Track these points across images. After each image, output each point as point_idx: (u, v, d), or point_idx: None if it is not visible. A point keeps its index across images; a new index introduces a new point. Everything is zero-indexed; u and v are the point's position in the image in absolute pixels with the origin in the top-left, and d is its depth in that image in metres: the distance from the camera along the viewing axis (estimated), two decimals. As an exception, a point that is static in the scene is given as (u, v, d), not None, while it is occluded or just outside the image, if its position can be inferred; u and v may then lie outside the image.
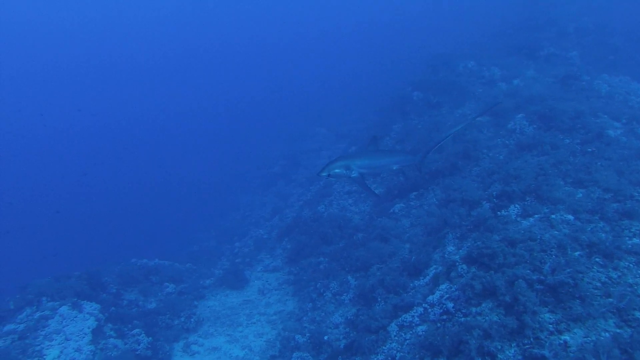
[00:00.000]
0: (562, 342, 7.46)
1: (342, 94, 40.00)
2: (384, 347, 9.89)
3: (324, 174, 11.33)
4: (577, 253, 8.93)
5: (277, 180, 29.84)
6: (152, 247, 22.87)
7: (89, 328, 12.86)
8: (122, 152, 53.88)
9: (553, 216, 10.30)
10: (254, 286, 17.56)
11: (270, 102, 56.86)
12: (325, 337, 12.38)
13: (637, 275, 8.46)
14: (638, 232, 9.51)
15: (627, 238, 9.32)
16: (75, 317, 13.11)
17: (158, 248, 22.75)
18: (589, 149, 13.10)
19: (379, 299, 11.84)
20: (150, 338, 13.78)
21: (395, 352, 9.55)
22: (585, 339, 7.39)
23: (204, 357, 13.89)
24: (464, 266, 9.92)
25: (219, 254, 22.35)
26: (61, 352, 11.94)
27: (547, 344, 7.48)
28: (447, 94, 20.63)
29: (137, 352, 13.18)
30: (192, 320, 15.33)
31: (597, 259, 8.83)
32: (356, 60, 49.83)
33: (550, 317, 7.86)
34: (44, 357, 11.69)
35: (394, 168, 12.81)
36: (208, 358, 13.81)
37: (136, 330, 13.91)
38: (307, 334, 13.03)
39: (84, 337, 12.55)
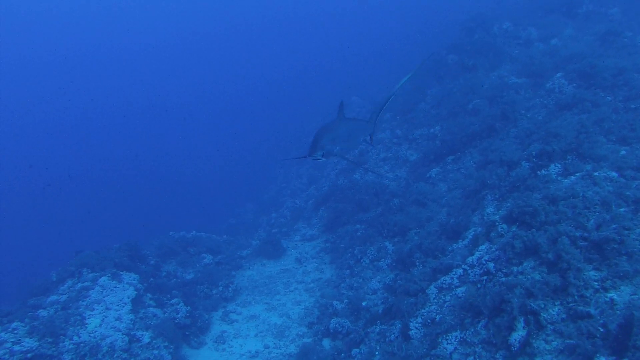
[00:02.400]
0: (608, 299, 7.21)
1: (378, 61, 39.45)
2: (423, 310, 9.76)
3: (318, 153, 8.69)
4: (622, 209, 8.61)
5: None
6: (190, 222, 23.06)
7: (128, 298, 13.00)
8: (164, 130, 54.58)
9: (596, 174, 9.95)
10: (291, 255, 17.60)
11: (309, 75, 56.53)
12: (364, 303, 12.31)
13: (687, 231, 8.14)
14: (687, 187, 9.15)
15: (675, 194, 8.98)
16: (115, 287, 13.25)
17: (196, 223, 22.93)
18: (633, 106, 12.64)
19: (417, 263, 11.69)
20: (189, 307, 13.90)
21: (434, 314, 9.41)
22: (633, 296, 7.14)
23: (242, 325, 13.98)
24: (504, 226, 9.69)
25: (256, 225, 22.49)
26: (102, 320, 12.10)
27: (592, 302, 7.25)
28: (483, 56, 20.12)
29: (177, 321, 13.31)
30: (230, 289, 15.43)
31: (644, 215, 8.52)
32: (392, 26, 48.98)
33: (596, 274, 7.61)
34: (86, 325, 11.86)
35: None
36: (247, 326, 13.89)
37: (175, 300, 14.04)
38: (345, 301, 12.99)
39: (124, 307, 12.69)
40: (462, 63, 20.51)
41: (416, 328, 9.50)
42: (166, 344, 12.35)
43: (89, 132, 57.25)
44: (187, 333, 13.42)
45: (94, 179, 43.41)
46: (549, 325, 7.35)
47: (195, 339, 13.43)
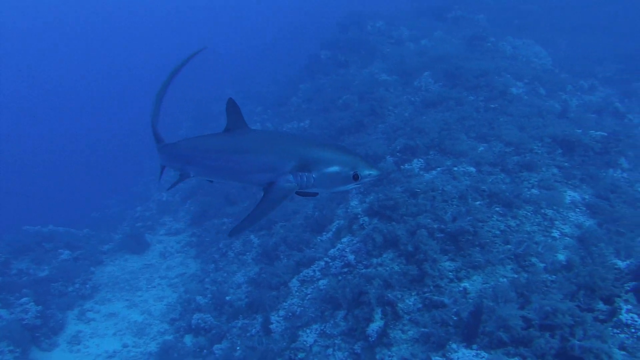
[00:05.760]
0: (461, 289, 7.41)
1: (256, 56, 39.06)
2: (285, 303, 9.60)
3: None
4: (477, 202, 8.90)
5: (180, 141, 28.79)
6: (49, 214, 21.62)
7: (-34, 301, 11.86)
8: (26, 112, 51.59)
9: (455, 168, 10.28)
10: (156, 250, 16.91)
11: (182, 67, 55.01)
12: (228, 297, 11.96)
13: (535, 223, 8.54)
14: (537, 182, 9.65)
15: (526, 189, 9.41)
16: (-51, 290, 12.06)
17: (56, 215, 21.51)
18: (493, 106, 13.23)
19: (282, 257, 11.52)
20: (40, 306, 12.83)
21: (296, 307, 9.27)
22: (484, 285, 7.35)
23: (100, 324, 13.19)
24: (366, 218, 9.72)
25: (121, 219, 21.44)
26: None
27: (446, 291, 7.40)
28: (356, 52, 20.37)
29: (25, 322, 12.24)
30: (87, 286, 14.51)
31: (497, 208, 8.84)
32: (271, 22, 48.77)
33: (451, 264, 7.80)
34: None
35: None
36: (105, 325, 13.12)
37: (24, 299, 12.92)
38: (209, 295, 12.59)
39: (-41, 311, 11.56)
40: (335, 59, 20.66)
41: (277, 322, 9.32)
42: (11, 347, 11.34)
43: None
44: (37, 334, 12.37)
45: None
46: (405, 315, 7.42)
47: (47, 341, 12.45)
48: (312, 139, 5.36)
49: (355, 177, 4.40)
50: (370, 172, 4.45)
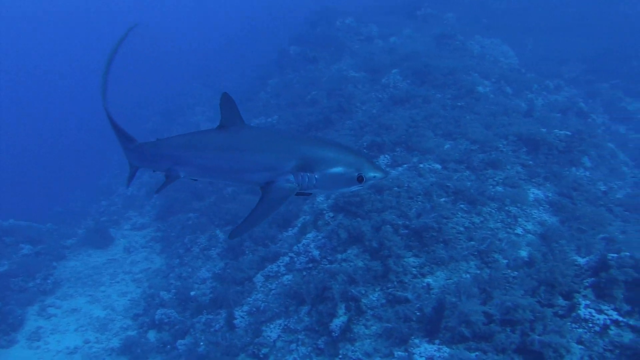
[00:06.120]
0: (425, 284, 7.44)
1: (223, 51, 38.71)
2: (249, 298, 9.53)
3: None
4: (442, 199, 8.94)
5: (150, 136, 28.32)
6: (10, 208, 21.15)
7: None
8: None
9: (421, 165, 10.31)
10: (120, 244, 16.64)
11: (149, 60, 54.38)
12: (192, 293, 11.86)
13: (499, 220, 8.63)
14: (501, 180, 9.75)
15: (490, 186, 9.50)
16: None
17: (17, 209, 21.05)
18: (460, 104, 13.30)
19: (247, 252, 11.44)
20: (-2, 303, 12.62)
21: (260, 302, 9.22)
22: (448, 281, 7.40)
23: (61, 319, 12.95)
24: (331, 214, 9.70)
25: (85, 213, 21.05)
26: None
27: (410, 287, 7.43)
28: (325, 48, 20.32)
29: (-19, 319, 12.02)
30: (49, 281, 14.22)
31: (461, 205, 8.90)
32: (239, 16, 48.32)
33: (415, 260, 7.83)
34: None
35: None
36: (66, 320, 12.89)
37: (-20, 296, 12.69)
38: (173, 290, 12.47)
39: None
40: (304, 55, 20.56)
41: (241, 317, 9.26)
42: (-33, 344, 11.11)
43: None
44: (-6, 331, 12.18)
45: None
46: (369, 311, 7.44)
47: (5, 337, 12.19)
48: (315, 137, 5.11)
49: (360, 179, 4.13)
50: (375, 174, 4.18)
